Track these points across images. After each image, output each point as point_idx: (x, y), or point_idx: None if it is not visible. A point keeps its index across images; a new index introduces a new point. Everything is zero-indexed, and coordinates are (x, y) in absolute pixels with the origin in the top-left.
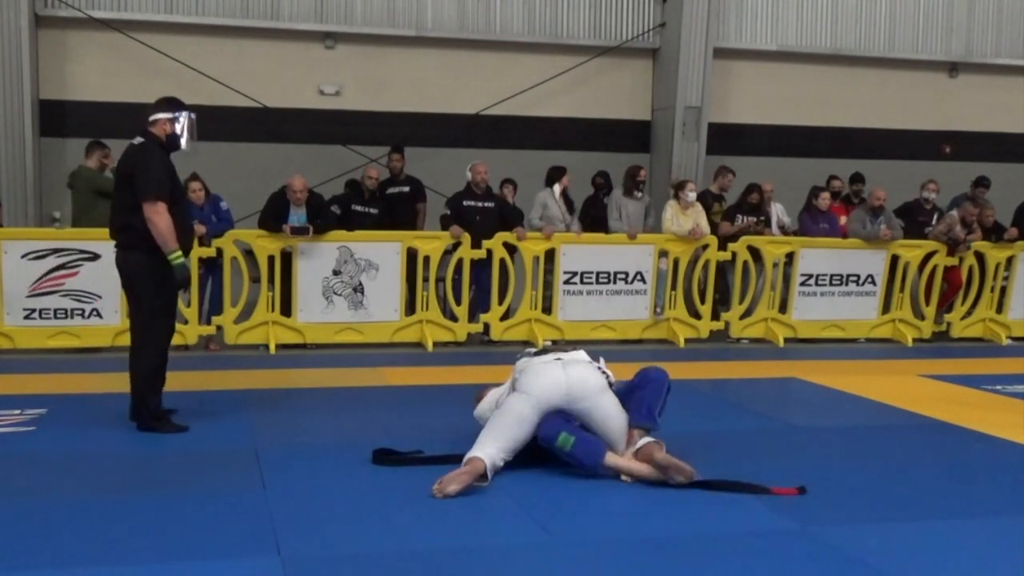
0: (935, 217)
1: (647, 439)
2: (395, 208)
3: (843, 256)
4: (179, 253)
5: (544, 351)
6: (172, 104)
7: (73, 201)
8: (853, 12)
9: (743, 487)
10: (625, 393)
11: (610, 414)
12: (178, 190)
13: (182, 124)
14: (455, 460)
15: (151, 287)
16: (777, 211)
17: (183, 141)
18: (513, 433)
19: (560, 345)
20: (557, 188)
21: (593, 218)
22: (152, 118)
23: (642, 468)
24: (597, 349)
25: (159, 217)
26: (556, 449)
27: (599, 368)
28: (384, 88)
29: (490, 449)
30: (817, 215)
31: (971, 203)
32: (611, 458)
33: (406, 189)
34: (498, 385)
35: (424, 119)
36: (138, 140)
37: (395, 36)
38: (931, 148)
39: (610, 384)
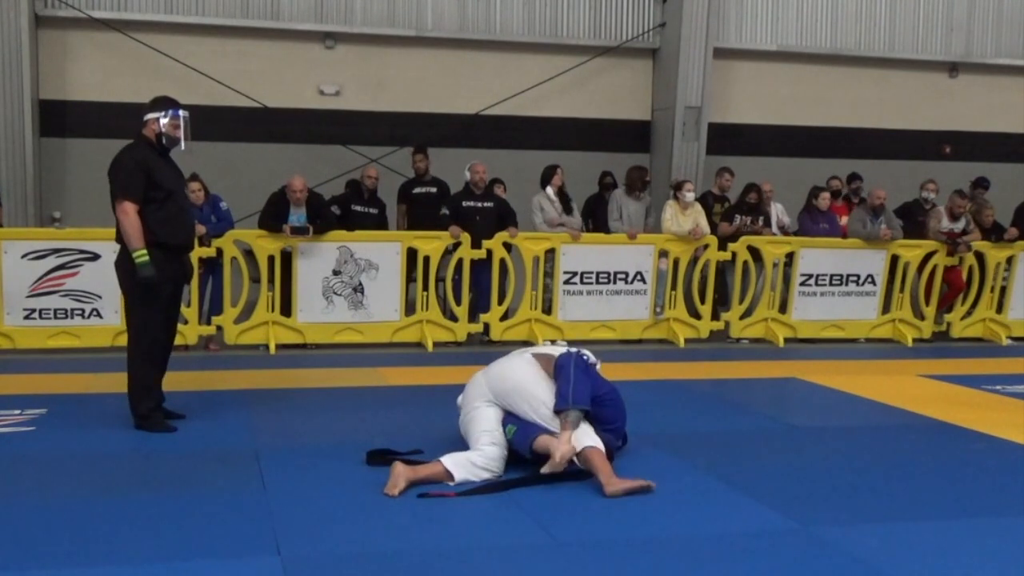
0: None
1: (588, 444)
2: (420, 208)
3: (843, 256)
4: (143, 252)
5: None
6: (159, 103)
7: None
8: (853, 12)
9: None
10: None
11: (533, 400)
12: (162, 189)
13: (167, 122)
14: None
15: (135, 284)
16: (777, 211)
17: (180, 140)
18: (474, 436)
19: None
20: (550, 189)
21: (598, 217)
22: (144, 118)
23: (559, 466)
24: (597, 349)
25: (125, 217)
26: (509, 442)
27: (536, 355)
28: (384, 88)
29: (457, 455)
30: (817, 215)
31: (958, 195)
32: (541, 441)
33: (433, 190)
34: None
35: (424, 119)
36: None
37: (395, 36)
38: (931, 148)
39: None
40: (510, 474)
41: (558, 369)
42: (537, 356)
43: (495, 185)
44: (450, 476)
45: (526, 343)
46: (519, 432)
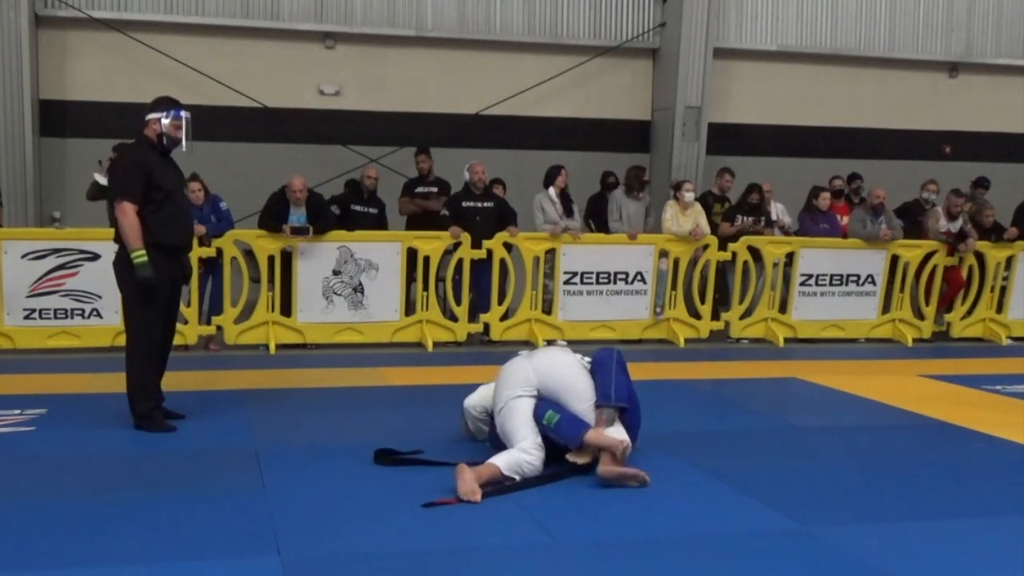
0: None
1: (610, 439)
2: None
3: (843, 256)
4: (141, 253)
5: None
6: (160, 104)
7: None
8: (853, 12)
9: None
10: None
11: (579, 394)
12: (161, 189)
13: (168, 123)
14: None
15: (133, 284)
16: (777, 211)
17: (181, 140)
18: (520, 433)
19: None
20: (552, 190)
21: (600, 218)
22: (145, 118)
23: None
24: (597, 349)
25: (123, 217)
26: (544, 427)
27: (576, 354)
28: (384, 88)
29: (510, 457)
30: (817, 215)
31: (955, 194)
32: (591, 435)
33: (434, 190)
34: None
35: (424, 119)
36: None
37: (395, 36)
38: (931, 148)
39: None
40: None
41: (599, 364)
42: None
43: (495, 185)
44: (504, 478)
45: (526, 343)
46: (564, 422)
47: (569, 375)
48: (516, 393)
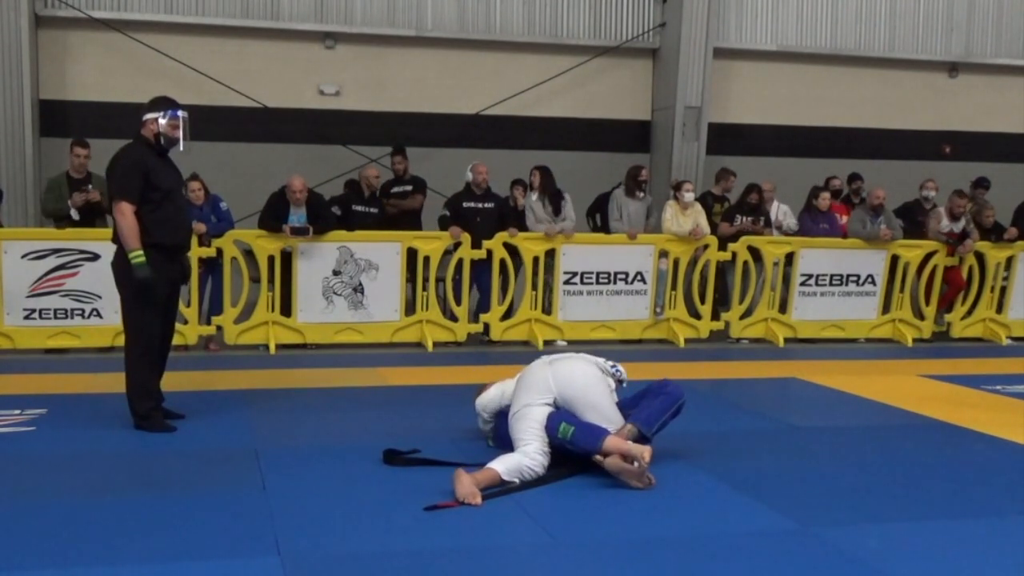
0: None
1: (632, 445)
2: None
3: (843, 256)
4: (139, 253)
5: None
6: (158, 103)
7: None
8: (853, 12)
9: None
10: (639, 394)
11: (596, 406)
12: (159, 189)
13: (166, 123)
14: (465, 466)
15: (132, 285)
16: (780, 212)
17: (179, 140)
18: (526, 438)
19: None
20: (532, 194)
21: (604, 216)
22: (142, 118)
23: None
24: (597, 349)
25: (122, 217)
26: (560, 440)
27: (599, 365)
28: (384, 88)
29: (510, 463)
30: (817, 215)
31: (958, 195)
32: (610, 441)
33: (409, 188)
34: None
35: (424, 119)
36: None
37: (395, 36)
38: (931, 148)
39: (620, 382)
40: None
41: (660, 394)
42: (599, 366)
43: (515, 187)
44: (504, 483)
45: (526, 343)
46: (579, 431)
47: (588, 386)
48: (533, 400)
